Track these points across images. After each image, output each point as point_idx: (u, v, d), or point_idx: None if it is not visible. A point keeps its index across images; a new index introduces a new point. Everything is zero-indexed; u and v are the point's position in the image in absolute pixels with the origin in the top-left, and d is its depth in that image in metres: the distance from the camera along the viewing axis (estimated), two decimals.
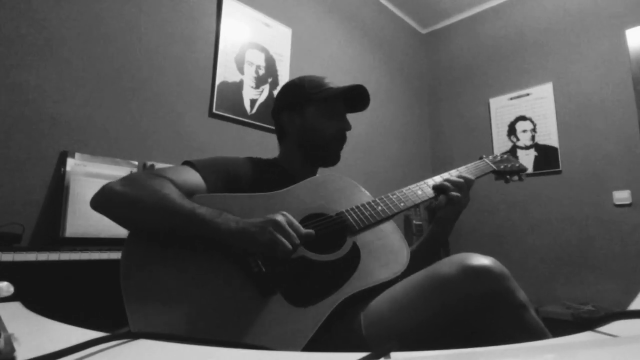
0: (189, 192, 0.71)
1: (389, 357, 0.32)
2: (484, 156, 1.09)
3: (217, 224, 0.64)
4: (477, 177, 0.98)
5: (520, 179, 1.07)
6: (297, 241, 0.65)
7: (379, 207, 0.82)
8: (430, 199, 0.89)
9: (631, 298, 0.51)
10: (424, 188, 0.90)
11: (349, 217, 0.78)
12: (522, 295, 0.59)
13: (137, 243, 0.65)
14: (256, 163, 0.90)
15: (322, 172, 0.94)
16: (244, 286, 0.64)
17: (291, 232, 0.65)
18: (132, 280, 0.60)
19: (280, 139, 0.99)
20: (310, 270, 0.69)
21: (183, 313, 0.58)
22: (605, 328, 0.38)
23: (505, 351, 0.34)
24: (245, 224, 0.65)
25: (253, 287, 0.64)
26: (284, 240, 0.63)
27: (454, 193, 0.87)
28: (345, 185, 0.88)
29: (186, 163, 0.81)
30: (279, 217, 0.65)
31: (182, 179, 0.73)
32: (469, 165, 1.01)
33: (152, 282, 0.61)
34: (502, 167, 1.05)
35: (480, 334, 0.58)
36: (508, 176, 1.06)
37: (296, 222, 0.68)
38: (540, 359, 0.34)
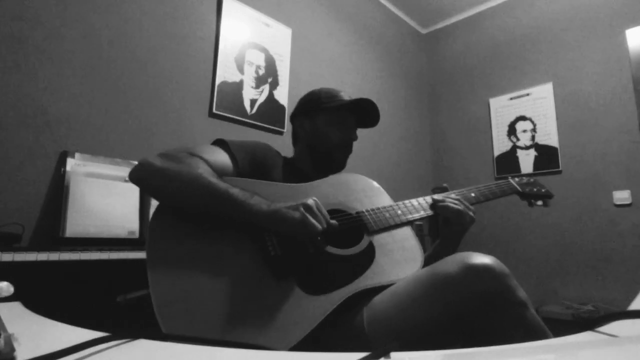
0: (218, 172, 0.74)
1: (389, 357, 0.32)
2: (510, 177, 1.08)
3: (250, 205, 0.67)
4: (498, 197, 0.99)
5: (545, 204, 1.07)
6: (324, 225, 0.68)
7: (399, 211, 0.85)
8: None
9: (631, 298, 0.51)
10: (447, 199, 0.91)
11: (367, 216, 0.81)
12: (522, 293, 0.60)
13: (164, 215, 0.68)
14: (281, 158, 0.94)
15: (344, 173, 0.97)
16: (260, 268, 0.66)
17: (320, 215, 0.68)
18: (156, 248, 0.63)
19: (293, 142, 1.04)
20: (326, 261, 0.71)
21: (199, 286, 0.61)
22: (605, 328, 0.38)
23: (505, 351, 0.34)
24: (276, 206, 0.68)
25: (268, 270, 0.66)
26: (314, 221, 0.66)
27: (449, 213, 0.88)
28: (367, 186, 0.91)
29: (218, 142, 0.85)
30: (310, 201, 0.69)
31: (214, 159, 0.77)
32: (492, 183, 1.02)
33: (174, 252, 0.64)
34: (527, 190, 1.05)
35: (481, 331, 0.58)
36: (532, 200, 1.06)
37: (324, 209, 0.71)
38: (540, 359, 0.34)
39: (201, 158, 0.74)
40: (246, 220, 0.67)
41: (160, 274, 0.60)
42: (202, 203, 0.67)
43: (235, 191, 0.68)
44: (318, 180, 0.86)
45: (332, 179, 0.89)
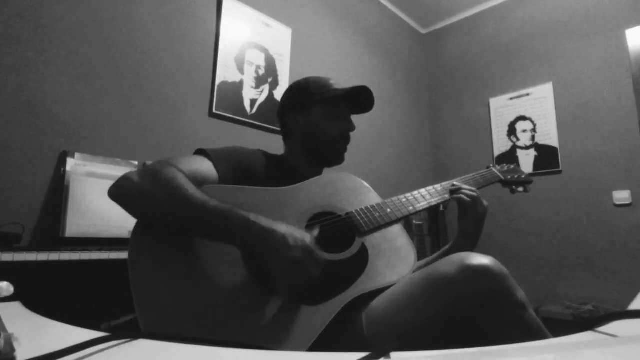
0: (201, 182, 0.71)
1: (389, 357, 0.32)
2: (492, 165, 1.09)
3: (230, 222, 0.62)
4: (483, 187, 0.98)
5: (525, 190, 1.08)
6: (318, 273, 0.62)
7: (388, 209, 0.83)
8: (439, 204, 0.90)
9: (631, 298, 0.51)
10: (433, 193, 0.90)
11: (358, 217, 0.79)
12: (521, 294, 0.59)
13: (145, 233, 0.65)
14: (268, 157, 0.90)
15: (331, 171, 0.94)
16: (252, 282, 0.63)
17: (313, 262, 0.62)
18: (140, 270, 0.60)
19: (285, 139, 0.99)
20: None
21: (190, 306, 0.58)
22: (605, 328, 0.38)
23: (505, 351, 0.34)
24: (263, 232, 0.61)
25: (261, 284, 0.63)
26: (311, 270, 0.60)
27: (465, 199, 0.87)
28: (355, 186, 0.88)
29: (200, 151, 0.81)
30: (310, 241, 0.62)
31: (195, 169, 0.73)
32: (475, 173, 1.01)
33: (160, 273, 0.61)
34: (509, 177, 1.06)
35: (479, 333, 0.58)
36: (514, 186, 1.07)
37: (316, 252, 0.64)
38: (540, 359, 0.34)
39: (179, 169, 0.69)
40: (226, 236, 0.63)
41: (147, 298, 0.57)
42: (179, 219, 0.63)
43: (212, 204, 0.62)
44: (304, 183, 0.82)
45: (319, 179, 0.85)
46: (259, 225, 0.62)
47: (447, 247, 0.94)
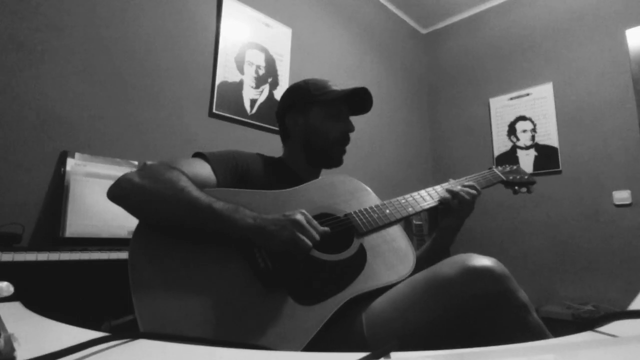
0: (200, 185, 0.72)
1: (389, 357, 0.32)
2: (493, 166, 1.09)
3: (235, 220, 0.65)
4: (485, 187, 0.99)
5: (528, 191, 1.08)
6: (317, 238, 0.66)
7: (387, 211, 0.83)
8: (438, 205, 0.90)
9: (631, 298, 0.51)
10: (433, 194, 0.91)
11: (356, 218, 0.79)
12: (523, 296, 0.59)
13: (145, 234, 0.65)
14: (266, 160, 0.91)
15: (330, 173, 0.95)
16: (250, 282, 0.64)
17: (311, 230, 0.66)
18: (140, 271, 0.61)
19: (284, 140, 1.00)
20: (317, 269, 0.69)
21: (189, 306, 0.59)
22: (605, 328, 0.38)
23: (505, 351, 0.34)
24: (263, 222, 0.65)
25: (259, 284, 0.64)
26: (304, 238, 0.64)
27: (459, 202, 0.89)
28: (354, 187, 0.89)
29: (198, 154, 0.82)
30: (299, 216, 0.66)
31: (194, 172, 0.74)
32: (477, 174, 1.01)
33: (159, 273, 0.61)
34: (511, 178, 1.06)
35: (481, 335, 0.58)
36: (517, 187, 1.07)
37: (314, 221, 0.68)
38: (540, 359, 0.34)
39: (182, 172, 0.71)
40: (232, 235, 0.65)
41: (146, 298, 0.58)
42: (185, 219, 0.65)
43: (219, 205, 0.65)
44: (304, 185, 0.83)
45: (318, 182, 0.86)
46: (260, 220, 0.65)
47: (428, 244, 0.95)
